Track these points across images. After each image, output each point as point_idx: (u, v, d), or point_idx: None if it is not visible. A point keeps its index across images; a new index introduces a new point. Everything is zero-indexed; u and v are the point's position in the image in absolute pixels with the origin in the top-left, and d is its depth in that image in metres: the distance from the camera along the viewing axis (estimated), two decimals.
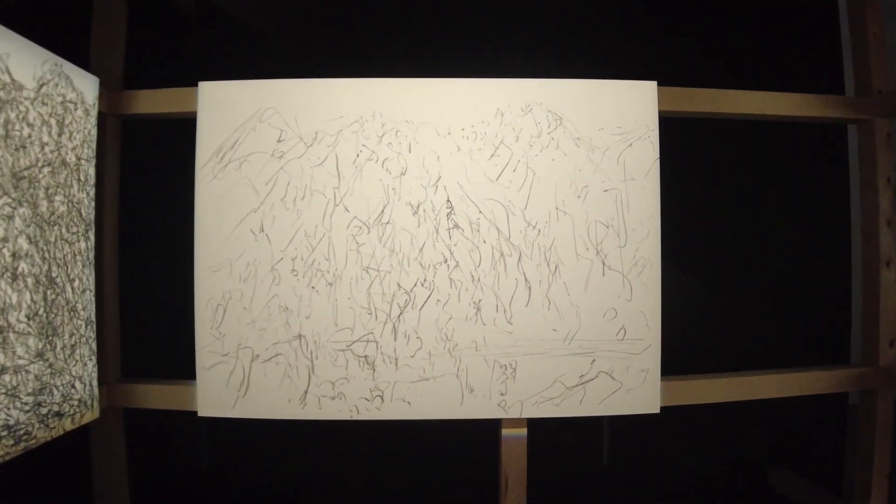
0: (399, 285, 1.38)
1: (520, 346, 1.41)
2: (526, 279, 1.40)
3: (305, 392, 1.37)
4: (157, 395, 1.42)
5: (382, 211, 1.38)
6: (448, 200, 1.39)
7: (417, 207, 1.38)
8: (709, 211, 1.99)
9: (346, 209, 1.37)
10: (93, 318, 1.28)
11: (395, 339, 1.38)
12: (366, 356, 1.38)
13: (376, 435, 1.80)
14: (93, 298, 1.29)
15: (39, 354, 1.10)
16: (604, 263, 1.41)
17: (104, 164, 1.38)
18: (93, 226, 1.28)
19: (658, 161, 1.43)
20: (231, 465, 1.81)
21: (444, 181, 1.39)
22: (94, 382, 1.28)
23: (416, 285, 1.38)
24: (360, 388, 1.38)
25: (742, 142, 1.99)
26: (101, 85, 1.34)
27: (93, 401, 1.28)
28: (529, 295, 1.40)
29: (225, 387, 1.38)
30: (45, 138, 1.13)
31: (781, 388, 1.53)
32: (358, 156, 1.38)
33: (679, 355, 1.55)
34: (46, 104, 1.13)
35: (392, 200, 1.38)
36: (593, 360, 1.42)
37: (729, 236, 2.00)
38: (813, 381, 1.54)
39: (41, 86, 1.11)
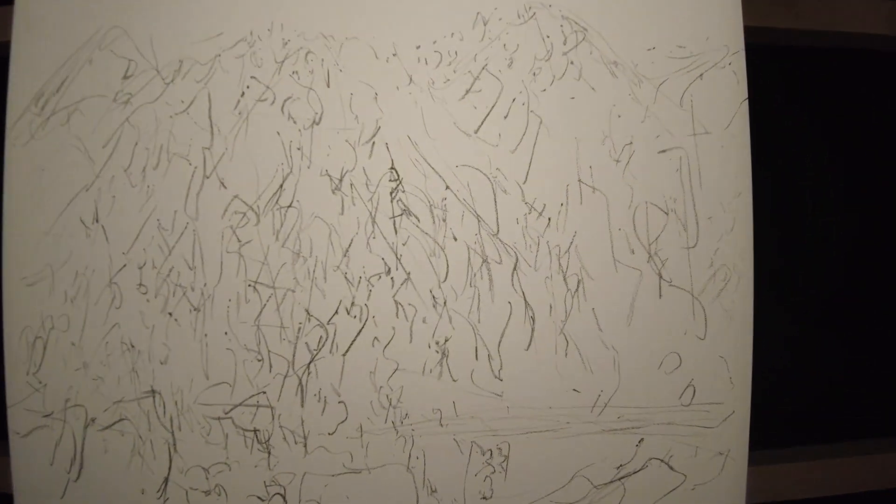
0: (309, 313, 0.81)
1: (516, 417, 0.81)
2: (527, 303, 0.80)
3: (166, 480, 0.84)
4: None
5: (282, 186, 0.82)
6: (392, 168, 0.81)
7: (341, 180, 0.81)
8: (813, 190, 1.28)
9: (223, 184, 0.83)
10: None
11: (303, 405, 0.82)
12: (255, 430, 0.82)
13: None
14: None
15: None
16: (660, 276, 0.79)
17: None
18: None
19: (747, 104, 0.78)
20: None
21: (387, 134, 0.81)
22: None
23: (336, 313, 0.81)
24: (248, 481, 0.83)
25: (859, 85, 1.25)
26: None
27: None
28: (533, 330, 0.80)
29: (49, 465, 0.87)
30: None
31: None
32: (243, 95, 0.83)
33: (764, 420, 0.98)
34: None
35: (298, 168, 0.82)
36: (640, 440, 0.81)
37: (851, 230, 1.26)
38: None
39: None
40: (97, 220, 0.89)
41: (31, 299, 0.91)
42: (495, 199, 0.85)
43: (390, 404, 0.85)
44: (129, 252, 0.88)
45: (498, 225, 0.84)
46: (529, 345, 0.84)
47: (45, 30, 0.92)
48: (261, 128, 0.86)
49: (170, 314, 0.87)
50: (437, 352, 0.85)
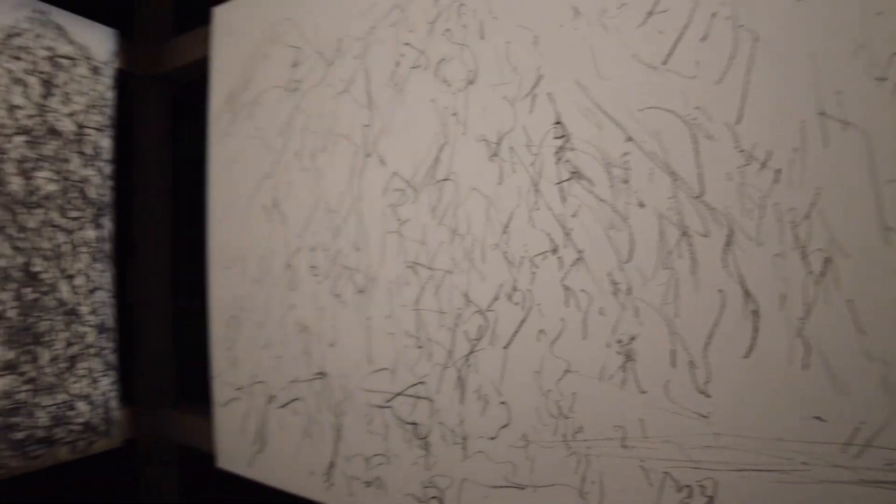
0: (467, 297, 0.77)
1: (727, 447, 0.64)
2: (746, 292, 0.62)
3: (331, 465, 0.90)
4: (183, 429, 1.15)
5: (437, 157, 0.79)
6: (559, 122, 0.71)
7: (499, 143, 0.75)
8: None
9: (382, 161, 0.84)
10: (109, 324, 1.07)
11: (462, 401, 0.78)
12: (415, 424, 0.81)
13: None
14: (109, 300, 1.08)
15: (10, 367, 0.92)
16: None
17: (144, 137, 1.18)
18: (108, 210, 1.08)
19: None
20: None
21: (549, 83, 0.73)
22: (113, 404, 1.07)
23: (497, 298, 0.75)
24: (406, 477, 0.83)
25: None
26: (128, 38, 1.14)
27: (109, 427, 1.07)
28: (755, 330, 0.62)
29: (240, 434, 1.01)
30: (18, 100, 0.94)
31: None
32: (398, 65, 0.83)
33: None
34: (20, 59, 0.95)
35: (453, 136, 0.78)
36: None
37: None
38: None
39: (9, 37, 0.93)
40: (276, 206, 0.97)
41: (227, 281, 1.04)
42: (696, 149, 0.66)
43: (560, 413, 0.74)
44: (303, 235, 0.94)
45: (702, 184, 0.66)
46: (750, 350, 0.64)
47: (234, 34, 1.05)
48: (416, 96, 0.83)
49: (337, 296, 0.90)
50: (620, 353, 0.70)
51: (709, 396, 0.66)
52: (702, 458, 0.66)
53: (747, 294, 0.64)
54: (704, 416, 0.66)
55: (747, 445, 0.63)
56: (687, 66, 0.66)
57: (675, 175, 0.67)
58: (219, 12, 1.10)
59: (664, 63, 0.68)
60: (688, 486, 0.66)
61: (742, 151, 0.64)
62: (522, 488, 0.76)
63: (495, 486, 0.78)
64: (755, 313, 0.63)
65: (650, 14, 0.68)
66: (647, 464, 0.69)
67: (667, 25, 0.67)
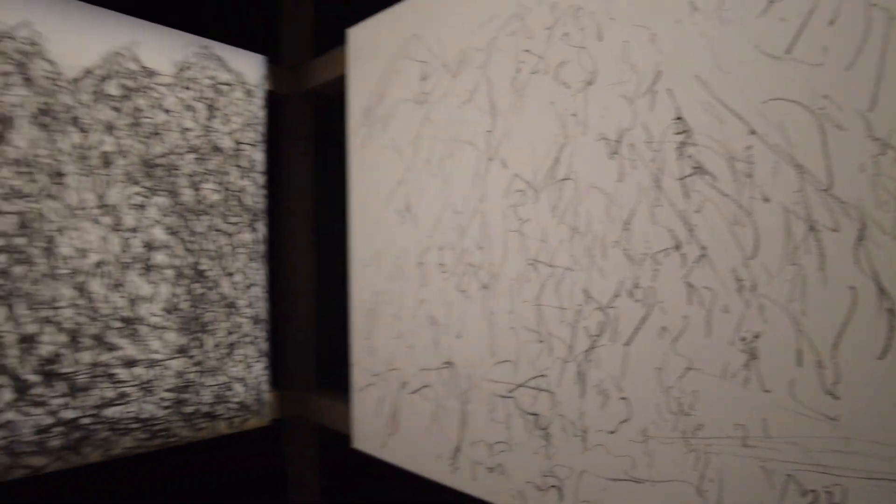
0: (587, 293, 0.83)
1: (858, 453, 0.65)
2: (881, 289, 0.63)
3: (456, 449, 0.99)
4: (322, 411, 1.31)
5: (557, 158, 0.86)
6: (679, 118, 0.76)
7: (618, 141, 0.81)
8: None
9: (504, 164, 0.92)
10: (262, 316, 1.26)
11: (583, 395, 0.84)
12: (536, 415, 0.89)
13: None
14: (263, 295, 1.27)
15: (182, 350, 1.12)
16: None
17: (288, 150, 1.36)
18: (262, 216, 1.27)
19: None
20: None
21: (670, 79, 0.77)
22: (264, 386, 1.26)
23: (618, 295, 0.81)
24: (526, 465, 0.91)
25: None
26: (275, 62, 1.33)
27: (261, 407, 1.25)
28: (891, 330, 0.63)
29: (375, 417, 1.14)
30: (189, 124, 1.15)
31: None
32: (518, 72, 0.91)
33: None
34: (190, 88, 1.15)
35: (572, 136, 0.85)
36: None
37: None
38: None
39: (181, 70, 1.14)
40: (409, 210, 1.08)
41: (366, 278, 1.16)
42: (824, 141, 0.67)
43: (680, 410, 0.77)
44: (433, 235, 1.04)
45: (830, 176, 0.66)
46: (885, 351, 0.63)
47: (368, 52, 1.18)
48: (535, 101, 0.90)
49: (463, 291, 0.98)
50: (744, 351, 0.72)
51: (837, 398, 0.65)
52: (829, 462, 0.65)
53: (882, 291, 0.63)
54: (832, 419, 0.66)
55: (883, 453, 0.62)
56: (813, 53, 0.67)
57: (801, 168, 0.68)
58: (352, 33, 1.23)
59: (788, 52, 0.68)
60: (812, 491, 0.66)
61: (876, 140, 0.63)
62: (640, 482, 0.79)
63: (614, 479, 0.82)
64: (891, 312, 0.62)
65: (772, 2, 0.69)
66: (769, 465, 0.70)
67: (790, 12, 0.68)
